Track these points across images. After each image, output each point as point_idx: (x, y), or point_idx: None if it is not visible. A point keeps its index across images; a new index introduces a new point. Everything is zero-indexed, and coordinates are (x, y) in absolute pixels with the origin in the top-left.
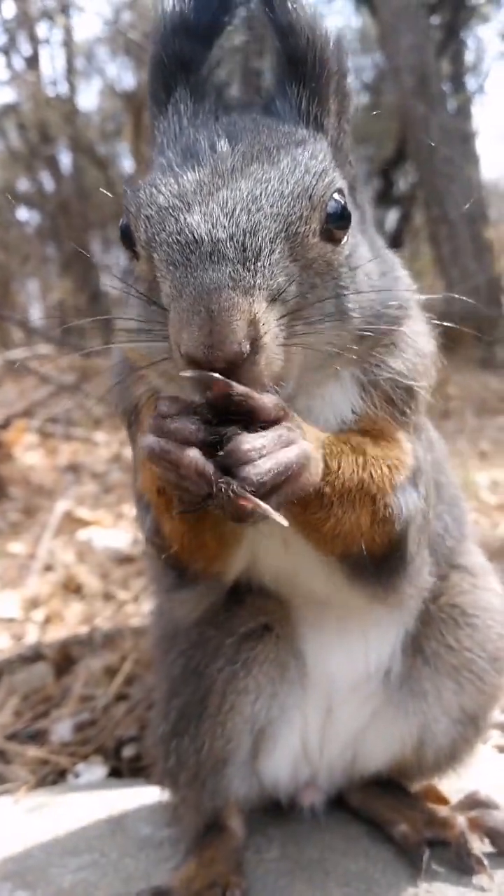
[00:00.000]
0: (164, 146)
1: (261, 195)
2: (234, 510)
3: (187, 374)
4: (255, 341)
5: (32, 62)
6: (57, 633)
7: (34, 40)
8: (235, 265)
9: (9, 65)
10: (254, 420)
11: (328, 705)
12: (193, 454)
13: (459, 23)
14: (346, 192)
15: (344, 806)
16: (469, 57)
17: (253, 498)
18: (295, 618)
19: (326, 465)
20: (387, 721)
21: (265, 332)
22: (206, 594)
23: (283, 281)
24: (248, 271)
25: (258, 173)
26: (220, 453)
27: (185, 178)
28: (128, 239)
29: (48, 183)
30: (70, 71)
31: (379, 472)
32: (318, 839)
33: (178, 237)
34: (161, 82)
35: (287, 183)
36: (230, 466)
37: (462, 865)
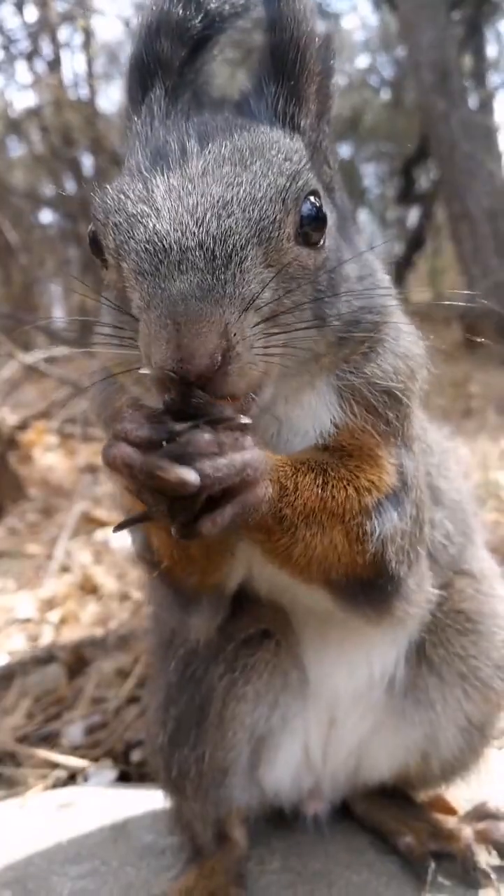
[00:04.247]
0: (135, 148)
1: (232, 200)
2: (159, 486)
3: (146, 371)
4: (228, 352)
5: (54, 66)
6: (72, 634)
7: (56, 44)
8: (204, 274)
9: (31, 69)
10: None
11: (330, 714)
12: (124, 448)
13: (481, 18)
14: (321, 194)
15: (349, 815)
16: (491, 52)
17: (172, 467)
18: (295, 625)
19: (282, 486)
20: (391, 730)
21: (238, 342)
22: (215, 613)
23: (256, 288)
24: (218, 280)
25: (230, 177)
26: (174, 443)
27: (153, 182)
28: (96, 247)
29: (70, 185)
30: (91, 74)
31: (343, 493)
32: (322, 850)
33: (148, 246)
34: (138, 81)
35: (259, 186)
36: (184, 458)
37: (468, 879)
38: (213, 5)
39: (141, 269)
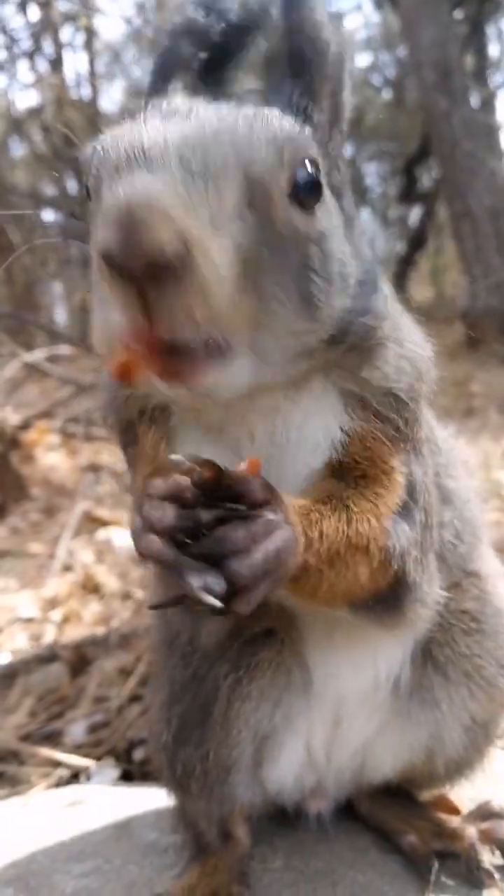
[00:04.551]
0: None
1: (224, 131)
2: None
3: (175, 457)
4: (186, 257)
5: (56, 65)
6: (75, 633)
7: (58, 44)
8: (174, 176)
9: (33, 68)
10: (241, 503)
11: (335, 714)
12: (153, 542)
13: (483, 16)
14: (320, 167)
15: (352, 814)
16: (493, 51)
17: (198, 582)
18: (300, 625)
19: (307, 538)
20: (396, 731)
21: (199, 254)
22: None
23: (231, 210)
24: (188, 188)
25: (227, 120)
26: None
27: (148, 120)
28: (87, 190)
29: (72, 185)
30: (93, 73)
31: (366, 525)
32: (325, 849)
33: (127, 148)
34: (162, 80)
35: (256, 132)
36: (218, 556)
37: (472, 878)
38: (234, 15)
39: (116, 165)
